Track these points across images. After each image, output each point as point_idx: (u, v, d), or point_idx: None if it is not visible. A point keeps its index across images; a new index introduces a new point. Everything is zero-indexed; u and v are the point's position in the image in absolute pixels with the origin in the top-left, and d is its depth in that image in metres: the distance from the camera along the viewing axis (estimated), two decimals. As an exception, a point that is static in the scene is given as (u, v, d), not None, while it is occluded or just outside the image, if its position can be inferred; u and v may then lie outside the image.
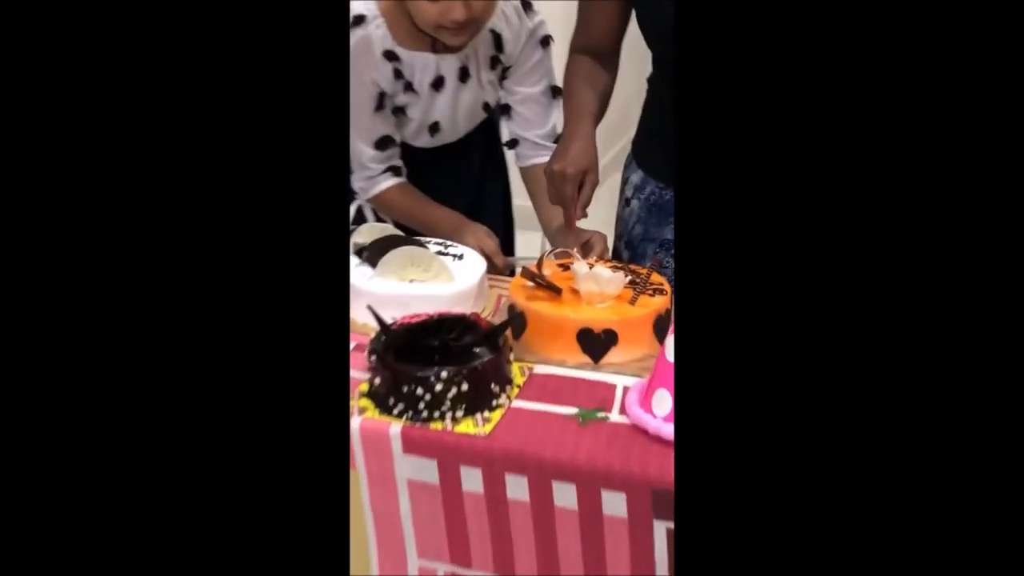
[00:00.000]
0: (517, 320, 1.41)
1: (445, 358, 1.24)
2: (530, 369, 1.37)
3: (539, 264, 1.49)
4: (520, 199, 2.01)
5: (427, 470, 1.21)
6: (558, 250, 1.54)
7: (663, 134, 1.71)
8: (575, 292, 1.43)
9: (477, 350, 1.25)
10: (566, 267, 1.53)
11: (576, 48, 1.70)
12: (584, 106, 1.65)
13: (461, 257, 1.58)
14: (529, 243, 2.05)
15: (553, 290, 1.41)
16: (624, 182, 1.88)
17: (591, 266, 1.44)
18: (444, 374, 1.21)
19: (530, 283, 1.44)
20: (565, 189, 1.54)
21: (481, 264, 1.56)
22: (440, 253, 1.57)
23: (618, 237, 1.89)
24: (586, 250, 1.61)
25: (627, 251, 1.86)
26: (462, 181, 2.00)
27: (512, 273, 1.72)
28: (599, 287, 1.38)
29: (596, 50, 1.68)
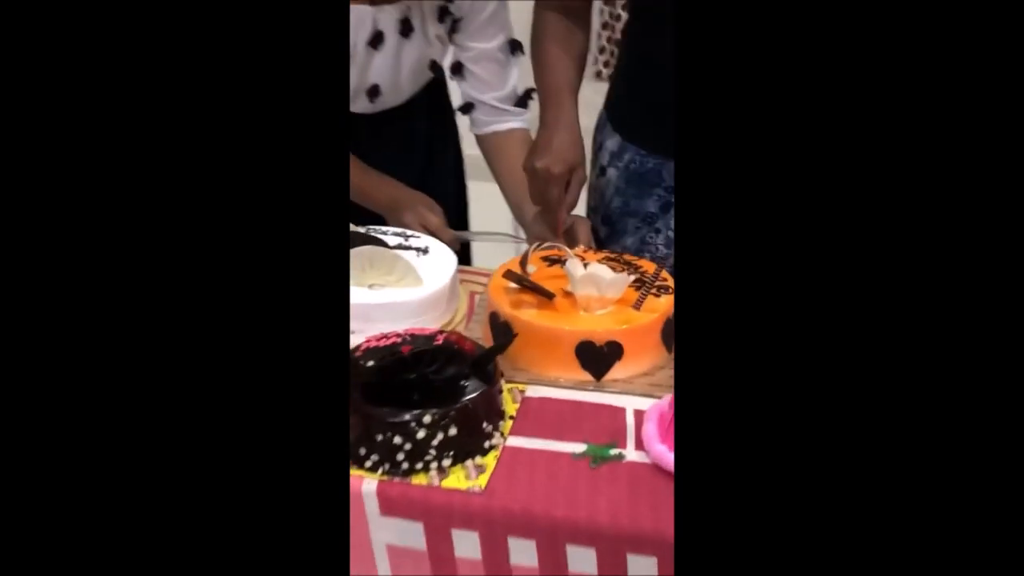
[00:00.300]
0: (501, 332, 1.19)
1: (426, 396, 1.01)
2: (521, 392, 1.15)
3: (523, 261, 1.26)
4: (472, 148, 1.76)
5: (411, 534, 1.00)
6: (546, 244, 1.31)
7: (646, 94, 1.50)
8: (568, 295, 1.21)
9: (464, 383, 1.03)
10: (552, 261, 1.31)
11: (544, 3, 1.45)
12: (562, 79, 1.41)
13: (426, 251, 1.35)
14: (483, 193, 1.80)
15: (543, 295, 1.19)
16: (597, 148, 1.64)
17: (585, 263, 1.22)
18: (427, 418, 0.98)
19: (514, 285, 1.22)
20: (550, 191, 1.34)
21: (451, 260, 1.33)
22: (401, 247, 1.33)
23: (592, 210, 1.67)
24: (570, 240, 1.39)
25: (604, 227, 1.64)
26: (407, 151, 1.74)
27: (462, 250, 1.47)
28: (599, 291, 1.16)
29: (567, 5, 1.44)
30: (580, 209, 1.52)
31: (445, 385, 1.02)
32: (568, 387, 1.16)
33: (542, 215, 1.44)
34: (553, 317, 1.17)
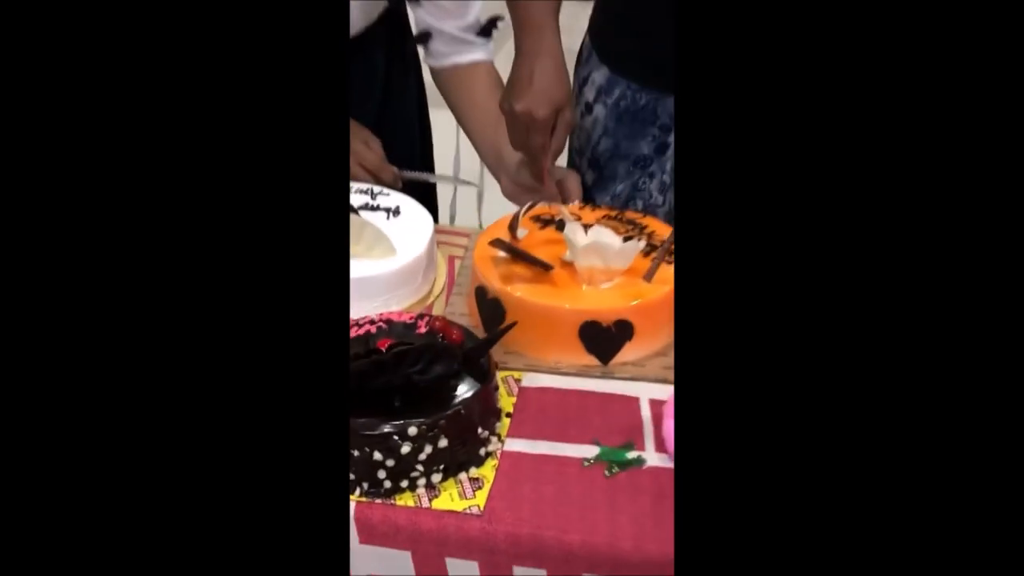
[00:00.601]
0: (490, 310, 1.02)
1: (410, 402, 0.85)
2: (517, 381, 0.99)
3: (513, 225, 1.09)
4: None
5: (397, 565, 0.84)
6: (539, 202, 1.13)
7: (638, 17, 1.33)
8: (567, 265, 1.04)
9: (454, 383, 0.86)
10: (545, 221, 1.13)
11: None
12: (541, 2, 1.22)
13: (397, 212, 1.17)
14: (446, 123, 1.59)
15: (540, 266, 1.02)
16: (582, 82, 1.46)
17: (585, 225, 1.05)
18: (412, 430, 0.82)
19: (502, 253, 1.05)
20: (534, 137, 1.16)
21: (426, 222, 1.15)
22: (368, 209, 1.15)
23: (577, 152, 1.50)
24: (561, 195, 1.22)
25: (591, 172, 1.48)
26: (363, 88, 1.53)
27: (426, 201, 1.28)
28: (604, 262, 0.99)
29: None
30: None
31: (432, 387, 0.86)
32: (571, 373, 1.00)
33: (524, 164, 1.25)
34: (551, 293, 1.00)
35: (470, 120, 1.41)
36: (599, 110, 1.41)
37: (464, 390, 0.87)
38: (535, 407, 0.96)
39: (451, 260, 1.21)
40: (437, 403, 0.85)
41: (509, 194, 1.28)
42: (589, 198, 1.48)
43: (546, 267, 1.02)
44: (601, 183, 1.45)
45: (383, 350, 0.86)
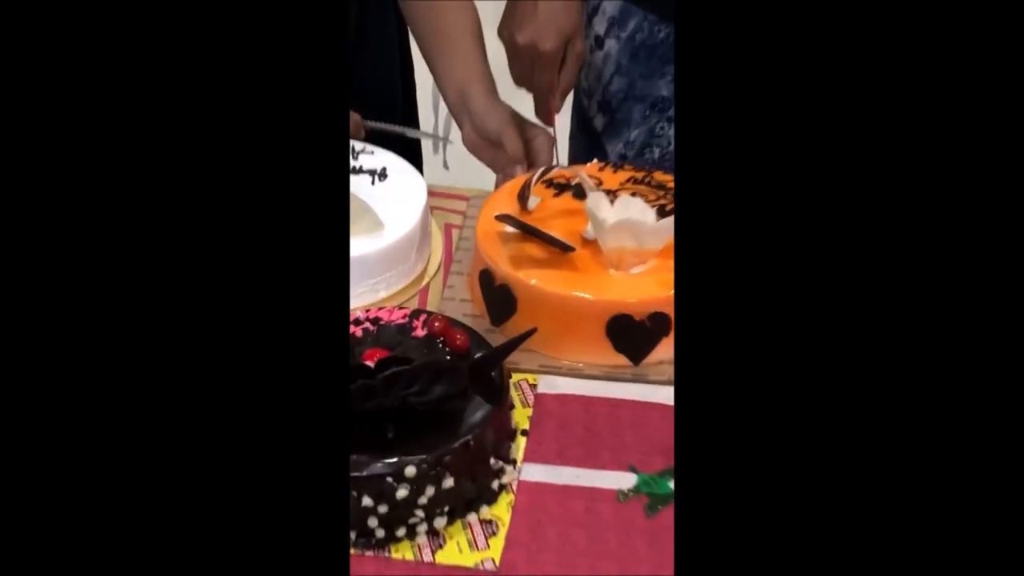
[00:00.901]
0: (499, 298, 0.86)
1: (406, 431, 0.68)
2: (532, 386, 0.82)
3: (523, 193, 0.91)
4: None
5: (395, 631, 0.69)
6: (554, 168, 0.95)
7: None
8: (588, 243, 0.87)
9: (461, 405, 0.70)
10: (560, 187, 0.96)
11: None
12: None
13: (383, 175, 0.99)
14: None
15: (559, 247, 0.85)
16: (591, 12, 1.29)
17: (608, 191, 0.88)
18: (411, 470, 0.66)
19: (510, 228, 0.88)
20: (540, 73, 1.04)
21: (419, 187, 0.98)
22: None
23: (585, 93, 1.34)
24: (527, 158, 1.03)
25: (602, 116, 1.32)
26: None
27: (408, 155, 1.09)
28: (637, 242, 0.82)
29: None
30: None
31: (433, 412, 0.69)
32: (596, 376, 0.84)
33: (495, 110, 1.06)
34: (572, 280, 0.84)
35: (433, 49, 1.19)
36: (611, 45, 1.25)
37: (473, 413, 0.71)
38: (556, 421, 0.80)
39: (448, 230, 1.03)
40: (440, 432, 0.69)
41: (470, 145, 1.09)
42: (598, 146, 1.32)
43: (567, 248, 0.85)
44: (613, 128, 1.29)
45: (371, 366, 0.69)
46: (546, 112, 1.10)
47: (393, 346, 0.75)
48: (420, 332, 0.77)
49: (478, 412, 0.71)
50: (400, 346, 0.75)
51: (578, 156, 1.35)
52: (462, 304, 0.91)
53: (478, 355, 0.74)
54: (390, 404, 0.68)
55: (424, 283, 0.95)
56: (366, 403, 0.67)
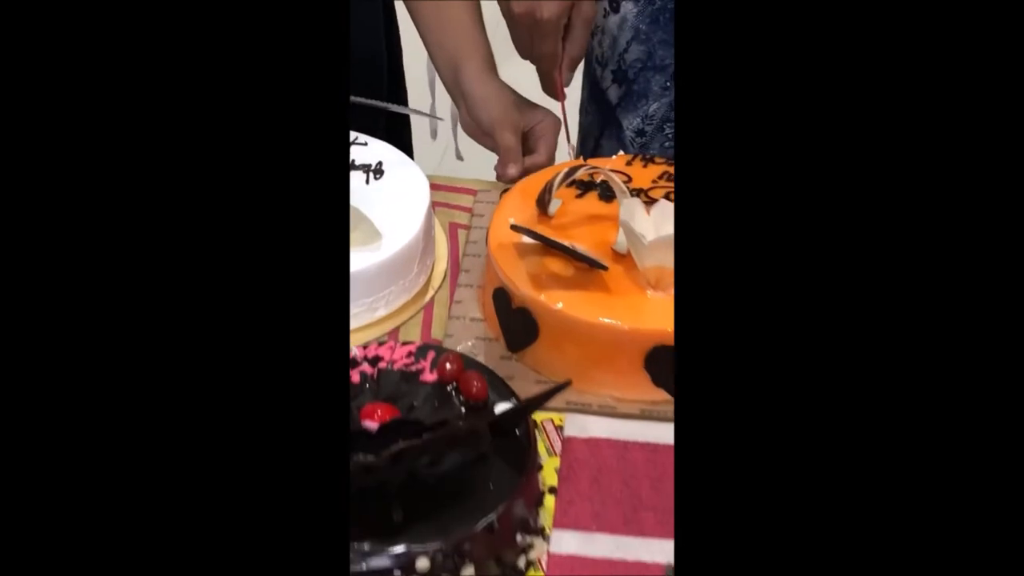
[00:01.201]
0: (518, 323, 0.74)
1: (416, 510, 0.57)
2: (558, 428, 0.71)
3: (545, 197, 0.79)
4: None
5: None
6: (581, 165, 0.82)
7: None
8: (621, 258, 0.75)
9: (481, 473, 0.59)
10: (584, 186, 0.83)
11: None
12: None
13: (379, 172, 0.86)
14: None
15: (591, 265, 0.73)
16: (606, -29, 1.17)
17: (639, 191, 0.75)
18: (423, 562, 0.55)
19: (526, 238, 0.75)
20: (539, 43, 0.93)
21: (420, 184, 0.85)
22: (339, 168, 0.84)
23: (598, 62, 1.22)
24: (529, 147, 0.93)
25: (617, 86, 1.20)
26: None
27: (359, 124, 0.95)
28: (680, 260, 0.70)
29: None
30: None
31: (448, 485, 0.57)
32: (633, 416, 0.72)
33: (493, 96, 0.97)
34: (604, 304, 0.72)
35: (423, 17, 1.06)
36: (628, 8, 1.13)
37: (495, 482, 0.59)
38: (588, 473, 0.68)
39: (453, 231, 0.91)
40: (457, 510, 0.57)
41: (468, 130, 0.99)
42: (613, 120, 1.20)
43: (599, 266, 0.73)
44: (629, 102, 1.17)
45: (372, 429, 0.58)
46: (551, 86, 0.99)
47: (397, 397, 0.63)
48: (429, 376, 0.65)
49: (502, 480, 0.59)
50: (406, 397, 0.63)
51: (590, 131, 1.24)
52: (472, 325, 0.79)
53: (499, 407, 0.62)
54: (397, 477, 0.56)
55: (428, 297, 0.83)
56: (367, 480, 0.55)
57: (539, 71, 1.01)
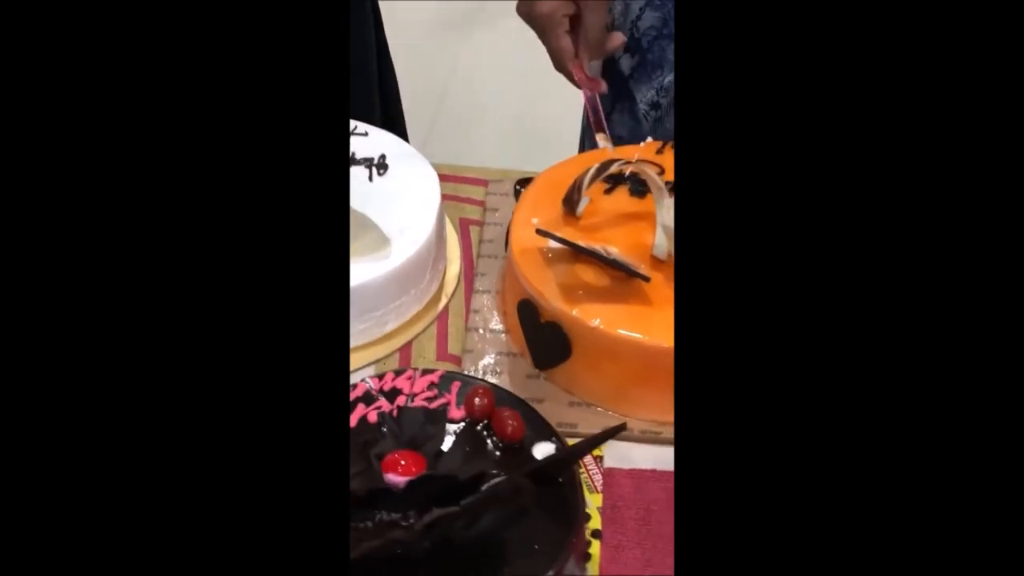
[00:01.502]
0: (545, 339, 0.66)
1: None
2: (598, 459, 0.63)
3: (573, 197, 0.71)
4: None
5: None
6: (612, 160, 0.74)
7: None
8: (661, 266, 0.67)
9: (521, 533, 0.51)
10: (614, 180, 0.75)
11: None
12: None
13: (382, 167, 0.78)
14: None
15: (629, 274, 0.65)
16: (617, -67, 1.09)
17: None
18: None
19: (556, 244, 0.67)
20: (546, 39, 0.89)
21: (429, 179, 0.77)
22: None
23: (608, 30, 1.12)
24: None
25: (629, 55, 1.12)
26: None
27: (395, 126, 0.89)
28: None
29: None
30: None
31: (485, 548, 0.50)
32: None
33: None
34: (644, 319, 0.64)
35: None
36: None
37: (538, 541, 0.51)
38: (634, 513, 0.61)
39: (464, 227, 0.82)
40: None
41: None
42: (625, 92, 1.12)
43: (640, 277, 0.65)
44: (643, 72, 1.10)
45: (398, 485, 0.50)
46: (570, 79, 0.93)
47: (422, 442, 0.55)
48: (456, 412, 0.57)
49: (547, 540, 0.51)
50: (432, 441, 0.55)
51: (602, 104, 1.16)
52: (492, 337, 0.72)
53: (538, 448, 0.55)
54: (427, 543, 0.49)
55: (441, 306, 0.75)
56: (393, 549, 0.48)
57: (554, 66, 0.96)
